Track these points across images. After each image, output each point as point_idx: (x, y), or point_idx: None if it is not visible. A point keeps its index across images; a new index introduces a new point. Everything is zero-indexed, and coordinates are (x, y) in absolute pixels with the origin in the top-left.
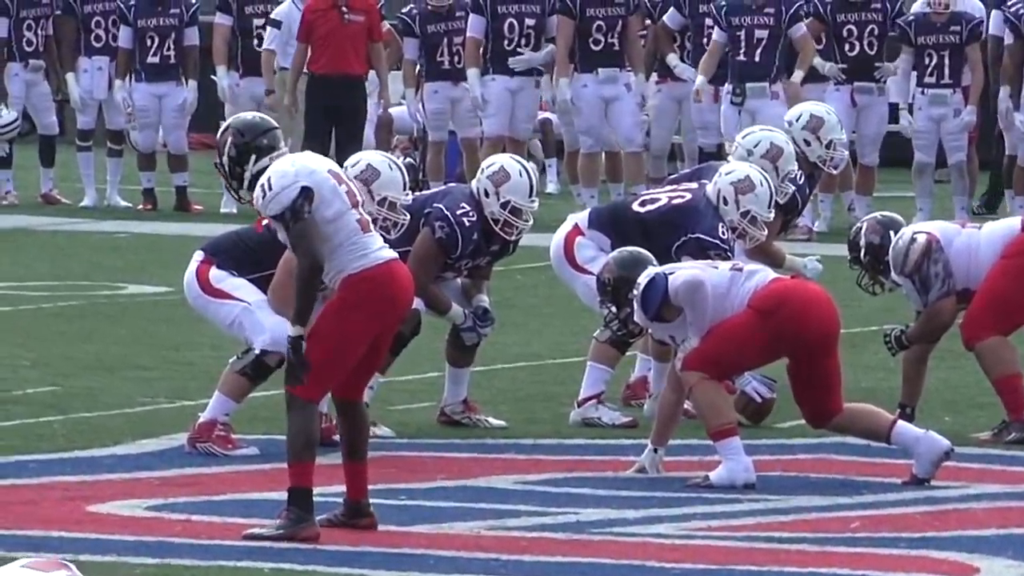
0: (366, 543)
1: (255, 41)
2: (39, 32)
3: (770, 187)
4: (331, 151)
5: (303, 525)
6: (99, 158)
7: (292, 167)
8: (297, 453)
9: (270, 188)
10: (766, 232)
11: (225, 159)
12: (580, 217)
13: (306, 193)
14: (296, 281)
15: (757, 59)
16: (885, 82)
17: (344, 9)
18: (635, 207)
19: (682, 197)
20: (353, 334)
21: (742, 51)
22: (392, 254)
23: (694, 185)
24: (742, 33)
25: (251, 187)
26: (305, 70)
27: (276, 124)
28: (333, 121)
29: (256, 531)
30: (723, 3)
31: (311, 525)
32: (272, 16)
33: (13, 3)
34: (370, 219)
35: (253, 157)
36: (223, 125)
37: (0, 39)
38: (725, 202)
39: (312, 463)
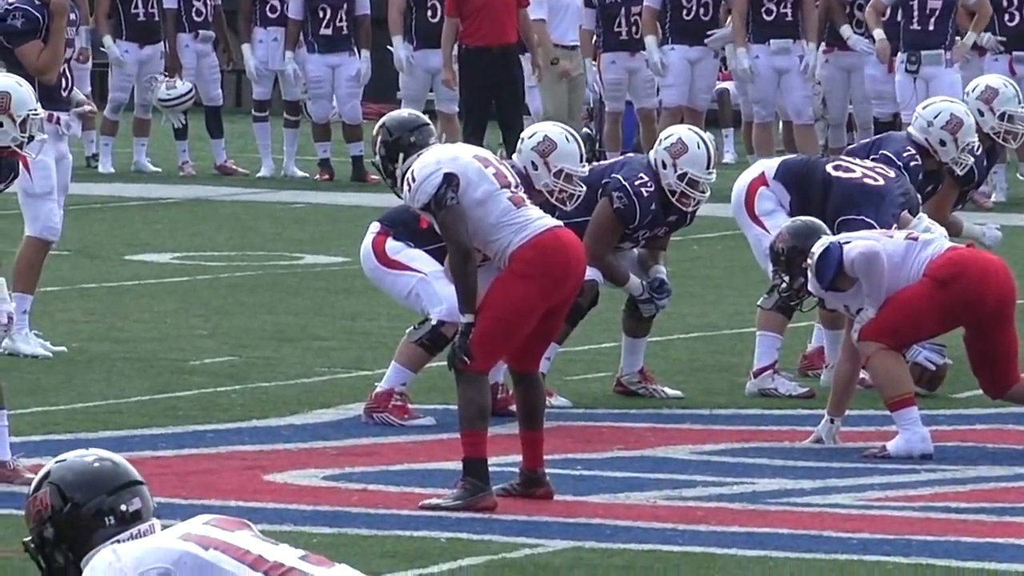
0: (542, 513)
1: (429, 12)
2: (208, 2)
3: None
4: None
5: (480, 495)
6: (275, 129)
7: (435, 156)
8: (470, 423)
9: (414, 180)
10: None
11: (377, 158)
12: (769, 165)
13: (450, 179)
14: (452, 271)
15: (931, 28)
16: None
17: None
18: (829, 168)
19: (875, 180)
20: (523, 304)
21: (915, 20)
22: (555, 222)
23: (892, 173)
24: (915, 3)
25: (403, 184)
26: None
27: (428, 120)
28: (493, 93)
29: (433, 501)
30: None
31: (488, 494)
32: None
33: None
34: (524, 196)
35: (402, 155)
36: (379, 122)
37: (169, 10)
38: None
39: (485, 432)
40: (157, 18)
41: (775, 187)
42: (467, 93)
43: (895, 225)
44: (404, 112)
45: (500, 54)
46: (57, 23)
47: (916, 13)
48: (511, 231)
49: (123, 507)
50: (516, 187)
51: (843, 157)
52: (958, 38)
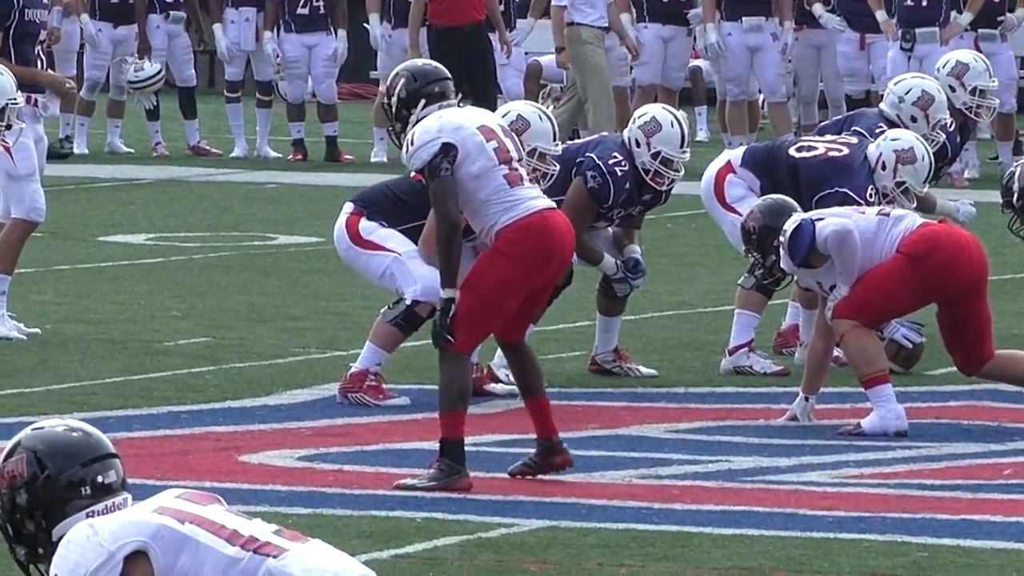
0: (517, 492)
1: None
2: None
3: (930, 163)
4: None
5: (456, 476)
6: (248, 109)
7: (438, 122)
8: (449, 404)
9: (412, 143)
10: (914, 204)
11: (394, 100)
12: (734, 154)
13: (447, 150)
14: (436, 242)
15: (924, 3)
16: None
17: None
18: (792, 151)
19: (839, 151)
20: (507, 284)
21: None
22: (547, 203)
23: (853, 140)
24: None
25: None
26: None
27: (450, 75)
28: (466, 73)
29: (408, 481)
30: None
31: (464, 476)
32: None
33: None
34: (523, 173)
35: (423, 102)
36: (396, 69)
37: None
38: (883, 167)
39: (464, 414)
40: (131, 0)
41: (743, 173)
42: None
43: (871, 187)
44: (422, 62)
45: (471, 33)
46: (36, 73)
47: None
48: (500, 209)
49: (98, 478)
50: (518, 162)
51: (804, 138)
52: (954, 13)
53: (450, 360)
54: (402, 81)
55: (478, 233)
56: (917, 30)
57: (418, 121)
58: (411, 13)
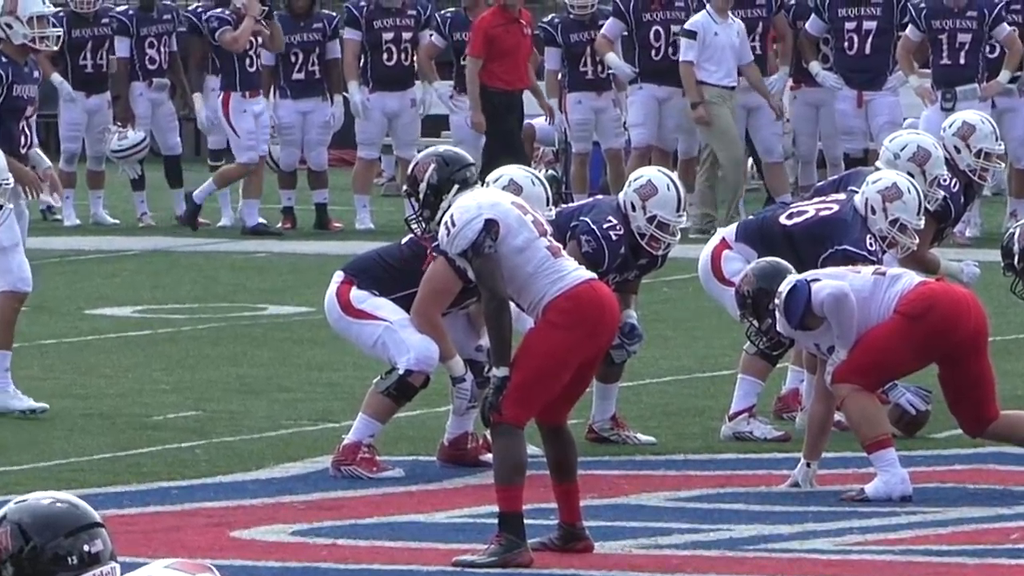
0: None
1: (384, 56)
2: (162, 49)
3: (918, 194)
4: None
5: (516, 551)
6: None
7: (475, 201)
8: (505, 478)
9: (454, 224)
10: (917, 240)
11: (423, 186)
12: (727, 231)
13: (490, 226)
14: (485, 320)
15: (962, 61)
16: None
17: (523, 23)
18: (782, 220)
19: (829, 209)
20: (559, 356)
21: (944, 54)
22: (590, 274)
23: (842, 196)
24: (944, 36)
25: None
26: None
27: (473, 160)
28: (514, 135)
29: (467, 558)
30: (922, 5)
31: (524, 550)
32: (686, 27)
33: (132, 22)
34: (560, 247)
35: (456, 188)
36: (421, 154)
37: (122, 59)
38: (873, 211)
39: (521, 487)
40: (105, 68)
41: (739, 248)
42: (500, 137)
43: (868, 237)
44: (452, 148)
45: (519, 98)
46: (10, 163)
47: (945, 48)
48: (548, 281)
49: (84, 548)
50: (552, 236)
51: (792, 204)
52: (1002, 75)
53: (504, 433)
54: (432, 167)
55: (525, 308)
56: (957, 88)
57: (450, 205)
58: (468, 73)
